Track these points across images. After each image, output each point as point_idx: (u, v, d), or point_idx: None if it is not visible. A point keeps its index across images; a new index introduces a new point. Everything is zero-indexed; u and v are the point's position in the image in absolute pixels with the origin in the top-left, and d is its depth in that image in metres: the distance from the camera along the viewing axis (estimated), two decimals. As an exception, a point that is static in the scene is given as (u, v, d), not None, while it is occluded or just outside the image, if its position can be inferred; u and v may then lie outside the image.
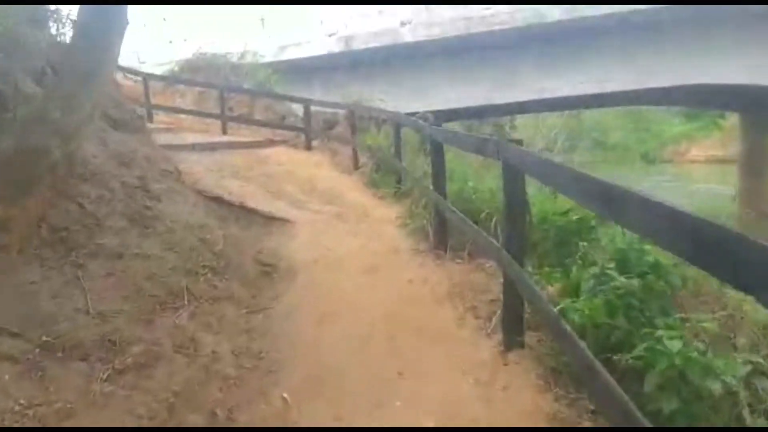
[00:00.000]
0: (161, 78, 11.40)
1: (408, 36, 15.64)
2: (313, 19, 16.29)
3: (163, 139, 9.38)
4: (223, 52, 12.39)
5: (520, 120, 30.86)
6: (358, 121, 9.19)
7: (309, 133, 10.19)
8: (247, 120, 11.04)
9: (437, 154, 4.80)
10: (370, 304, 3.85)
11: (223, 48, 13.03)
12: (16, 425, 2.31)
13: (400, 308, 3.83)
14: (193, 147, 9.06)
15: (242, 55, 12.38)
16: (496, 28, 15.34)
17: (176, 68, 12.48)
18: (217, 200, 5.28)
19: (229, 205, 5.31)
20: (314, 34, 16.09)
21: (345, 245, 5.02)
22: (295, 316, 3.68)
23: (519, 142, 3.09)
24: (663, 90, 16.06)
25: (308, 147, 10.18)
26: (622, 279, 2.99)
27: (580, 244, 3.90)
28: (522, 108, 18.89)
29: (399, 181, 7.11)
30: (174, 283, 3.47)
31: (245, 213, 5.34)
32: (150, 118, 10.87)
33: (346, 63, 15.99)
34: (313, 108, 10.31)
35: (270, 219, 5.42)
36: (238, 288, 3.85)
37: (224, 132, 10.59)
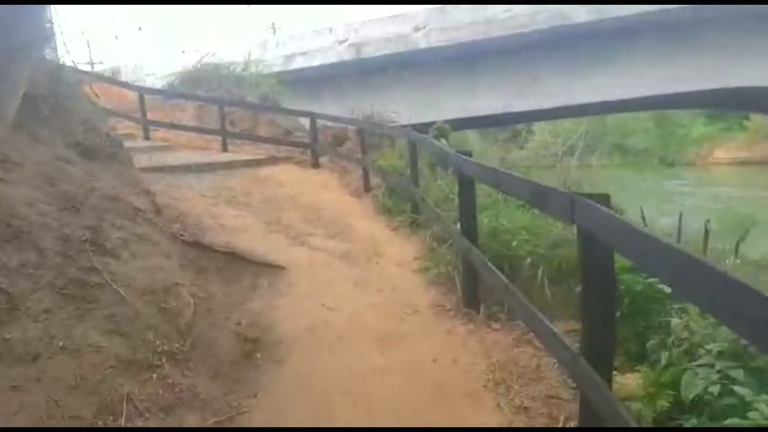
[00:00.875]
0: (156, 92, 10.53)
1: (422, 42, 14.62)
2: (323, 27, 15.36)
3: (157, 159, 8.50)
4: (226, 62, 11.49)
5: (538, 124, 29.64)
6: (370, 136, 8.19)
7: (315, 149, 9.21)
8: (248, 136, 10.10)
9: (467, 191, 3.76)
10: (383, 404, 2.82)
11: (228, 57, 12.15)
12: None
13: (422, 409, 2.80)
14: (189, 168, 8.14)
15: (246, 66, 11.47)
16: (517, 31, 14.23)
17: (176, 81, 11.63)
18: (197, 246, 4.29)
19: (212, 251, 4.31)
20: (323, 41, 15.16)
21: (351, 303, 4.00)
22: (280, 424, 2.67)
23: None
24: (695, 93, 14.80)
25: (315, 165, 9.20)
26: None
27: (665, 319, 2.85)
28: (544, 115, 17.74)
29: (415, 209, 6.08)
30: (111, 391, 2.47)
31: (231, 261, 4.34)
32: (146, 135, 10.00)
33: (356, 71, 15.03)
34: (320, 122, 9.33)
35: (260, 266, 4.41)
36: (206, 383, 2.84)
37: (224, 149, 9.66)
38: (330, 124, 9.56)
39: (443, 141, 11.93)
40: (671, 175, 29.26)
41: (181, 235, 4.25)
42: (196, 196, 6.95)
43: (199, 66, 11.31)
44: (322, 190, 8.00)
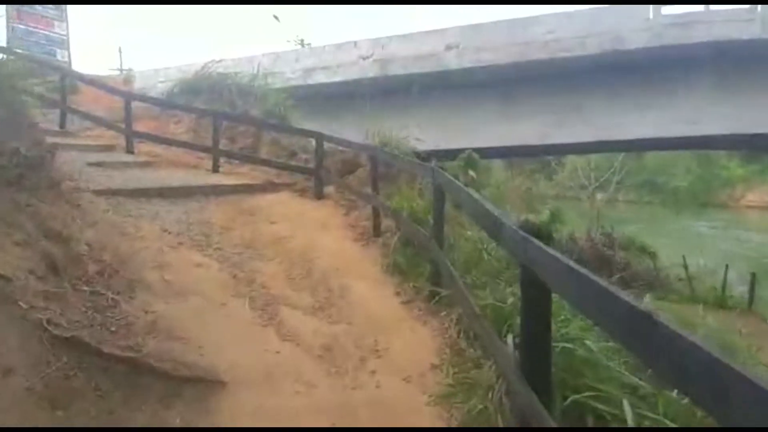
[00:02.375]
0: (143, 98, 9.02)
1: (454, 61, 12.95)
2: (347, 41, 13.85)
3: (130, 178, 6.90)
4: (232, 71, 9.97)
5: (570, 155, 27.61)
6: (385, 166, 6.46)
7: (321, 176, 7.51)
8: (242, 156, 8.46)
9: (537, 301, 1.94)
10: None
11: (238, 66, 10.64)
12: None
13: None
14: (162, 192, 6.50)
15: (255, 77, 9.93)
16: (560, 55, 12.45)
17: (176, 88, 10.16)
18: (73, 345, 2.54)
19: (97, 356, 2.56)
20: (346, 56, 13.63)
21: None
22: None
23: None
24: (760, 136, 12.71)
25: (318, 195, 7.48)
26: None
27: None
28: (586, 148, 15.83)
29: (436, 276, 4.26)
30: None
31: (130, 373, 2.58)
32: (129, 148, 8.45)
33: (380, 90, 13.39)
34: (328, 145, 7.65)
35: (180, 383, 2.64)
36: None
37: (215, 169, 8.03)
38: (342, 147, 7.87)
39: (471, 173, 10.15)
40: (702, 216, 27.23)
41: (48, 325, 2.50)
42: (155, 232, 5.27)
43: (201, 73, 9.84)
44: (320, 230, 6.25)
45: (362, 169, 7.68)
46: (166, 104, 9.04)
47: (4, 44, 14.08)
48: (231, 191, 7.23)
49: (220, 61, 10.03)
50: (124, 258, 4.36)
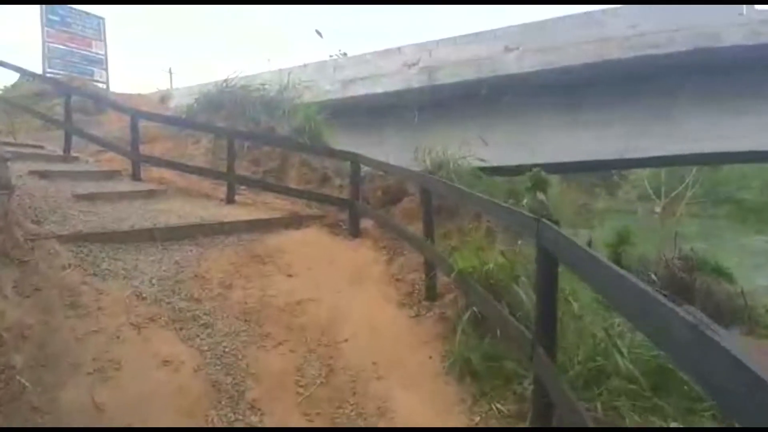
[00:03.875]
0: (150, 116, 7.65)
1: (513, 65, 11.04)
2: (390, 47, 12.23)
3: (123, 214, 5.43)
4: (258, 83, 8.52)
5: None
6: (437, 198, 4.68)
7: (357, 208, 5.81)
8: (262, 183, 6.87)
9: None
10: None
11: (266, 78, 9.19)
12: None
13: None
14: (152, 235, 4.98)
15: (283, 89, 8.44)
16: (644, 53, 10.29)
17: (195, 104, 8.83)
18: None
19: None
20: (389, 64, 12.00)
21: None
22: None
23: None
24: None
25: (354, 232, 5.79)
26: None
27: None
28: (674, 161, 13.44)
29: (538, 398, 2.41)
30: None
31: None
32: (135, 174, 7.08)
33: (428, 101, 11.67)
34: (366, 168, 5.97)
35: None
36: None
37: (229, 200, 6.49)
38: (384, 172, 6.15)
39: (540, 196, 8.23)
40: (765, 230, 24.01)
41: None
42: (122, 300, 3.71)
43: (223, 86, 8.45)
44: (354, 286, 4.53)
45: (409, 199, 5.93)
46: (174, 122, 7.65)
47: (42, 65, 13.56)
48: (244, 228, 5.64)
49: (242, 72, 8.59)
50: (56, 353, 2.79)
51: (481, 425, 2.64)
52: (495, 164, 8.75)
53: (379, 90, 12.02)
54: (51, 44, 14.01)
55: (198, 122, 7.77)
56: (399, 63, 11.86)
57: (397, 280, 4.67)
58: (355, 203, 5.80)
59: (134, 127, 7.11)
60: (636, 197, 28.84)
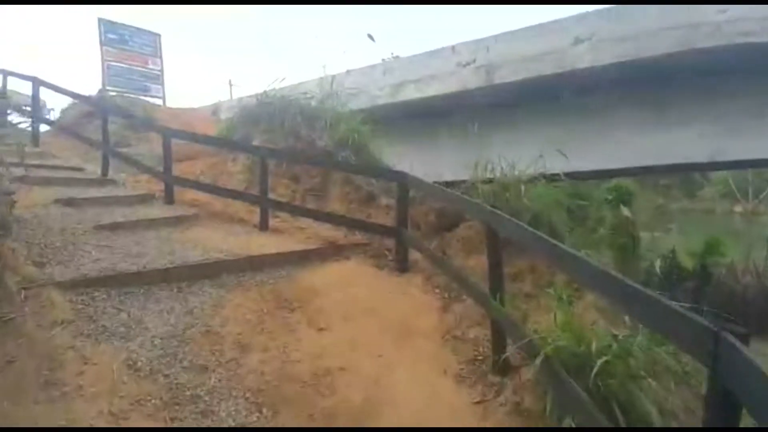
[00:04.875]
0: (181, 135, 7.03)
1: (585, 58, 9.62)
2: (443, 46, 11.15)
3: (142, 249, 4.80)
4: (298, 92, 7.75)
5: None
6: (503, 229, 3.60)
7: (404, 237, 4.83)
8: (297, 209, 6.02)
9: None
10: None
11: (307, 86, 8.41)
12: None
13: None
14: (166, 276, 4.26)
15: (326, 97, 7.61)
16: (736, 42, 8.60)
17: (236, 117, 8.22)
18: None
19: None
20: (442, 64, 10.93)
21: None
22: None
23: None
24: None
25: (401, 266, 4.81)
26: None
27: None
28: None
29: None
30: None
31: None
32: (168, 197, 6.49)
33: (486, 103, 10.49)
34: (415, 188, 4.97)
35: None
36: None
37: (263, 226, 5.71)
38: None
39: (625, 211, 6.96)
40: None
41: None
42: (109, 374, 2.96)
43: (261, 98, 7.76)
44: (399, 348, 3.56)
45: (468, 225, 4.87)
46: (203, 140, 6.98)
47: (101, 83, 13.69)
48: (275, 263, 4.82)
49: (282, 80, 7.83)
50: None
51: None
52: (573, 169, 7.52)
53: (431, 93, 10.95)
54: (110, 63, 14.12)
55: (224, 139, 7.12)
56: (453, 63, 10.75)
57: (455, 337, 3.64)
58: (402, 232, 4.82)
59: (166, 147, 6.54)
60: (717, 197, 25.86)
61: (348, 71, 10.55)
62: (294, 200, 6.83)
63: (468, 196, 4.45)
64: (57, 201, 5.68)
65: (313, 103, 7.62)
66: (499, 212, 3.19)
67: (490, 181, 4.84)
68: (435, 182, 5.51)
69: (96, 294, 3.83)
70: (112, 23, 14.34)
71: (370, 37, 14.98)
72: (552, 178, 5.11)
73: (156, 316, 3.70)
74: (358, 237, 5.56)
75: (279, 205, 5.85)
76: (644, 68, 9.34)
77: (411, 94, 11.02)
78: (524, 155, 5.43)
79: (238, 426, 2.74)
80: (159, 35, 15.70)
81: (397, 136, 10.03)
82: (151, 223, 5.57)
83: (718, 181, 25.39)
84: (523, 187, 4.38)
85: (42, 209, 5.40)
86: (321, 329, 3.79)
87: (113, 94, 12.99)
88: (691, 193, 24.38)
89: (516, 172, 4.85)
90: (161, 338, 3.43)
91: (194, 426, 2.70)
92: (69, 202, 5.73)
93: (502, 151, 5.55)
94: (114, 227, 5.24)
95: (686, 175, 24.06)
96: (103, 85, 13.72)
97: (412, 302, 4.21)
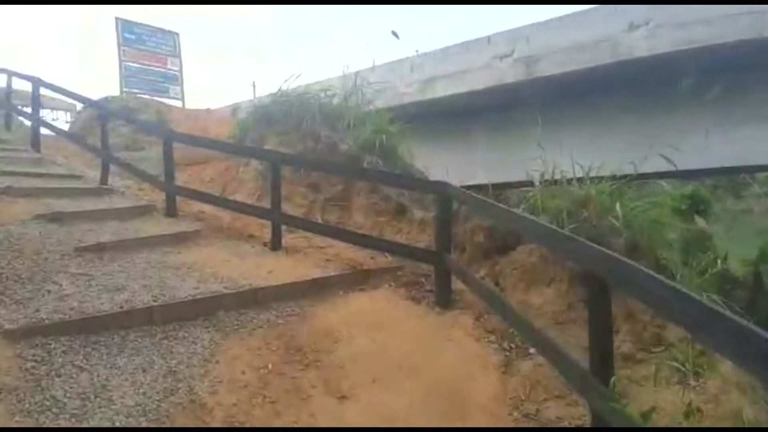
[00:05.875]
0: (182, 138, 6.13)
1: (641, 46, 8.40)
2: (477, 37, 10.06)
3: (128, 278, 3.90)
4: (317, 89, 6.80)
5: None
6: (625, 283, 2.53)
7: (446, 263, 3.79)
8: (317, 227, 5.01)
9: None
10: None
11: (328, 83, 7.44)
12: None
13: None
14: (150, 317, 3.34)
15: (349, 94, 6.64)
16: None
17: (250, 118, 7.33)
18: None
19: None
20: (476, 58, 9.84)
21: None
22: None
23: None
24: None
25: (442, 300, 3.78)
26: None
27: None
28: None
29: None
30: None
31: None
32: (170, 209, 5.61)
33: (525, 98, 9.33)
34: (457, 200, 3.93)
35: None
36: None
37: (275, 245, 4.76)
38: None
39: (700, 221, 5.85)
40: None
41: None
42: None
43: (277, 96, 6.85)
44: (454, 419, 2.54)
45: (528, 249, 3.81)
46: (204, 144, 6.05)
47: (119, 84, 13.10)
48: (286, 295, 3.86)
49: (298, 77, 6.87)
50: None
51: None
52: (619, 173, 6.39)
53: (464, 89, 9.89)
54: (127, 63, 13.51)
55: (229, 143, 6.24)
56: (488, 55, 9.66)
57: (529, 416, 2.60)
58: (444, 258, 3.79)
59: (167, 152, 5.67)
60: (762, 196, 24.02)
61: (373, 67, 9.55)
62: (312, 211, 5.88)
63: (523, 212, 3.41)
64: (39, 216, 4.85)
65: (335, 101, 6.65)
66: (599, 248, 2.12)
67: (554, 183, 3.76)
68: (464, 185, 4.53)
69: (54, 346, 2.94)
70: (130, 22, 13.73)
71: (395, 34, 13.87)
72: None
73: (127, 378, 2.78)
74: (388, 258, 4.55)
75: (293, 221, 4.89)
76: (716, 57, 8.07)
77: (441, 90, 9.97)
78: (568, 156, 4.36)
79: None
80: (177, 34, 15.02)
81: (426, 136, 9.01)
82: (144, 243, 4.68)
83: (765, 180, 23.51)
84: (620, 210, 3.24)
85: (19, 227, 4.58)
86: (343, 397, 2.81)
87: (128, 95, 12.34)
88: (737, 193, 22.59)
89: (579, 178, 3.76)
90: (126, 415, 2.50)
91: None
92: (54, 218, 4.90)
93: (542, 153, 4.49)
94: (99, 249, 4.36)
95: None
96: (120, 86, 13.10)
97: (462, 354, 3.18)
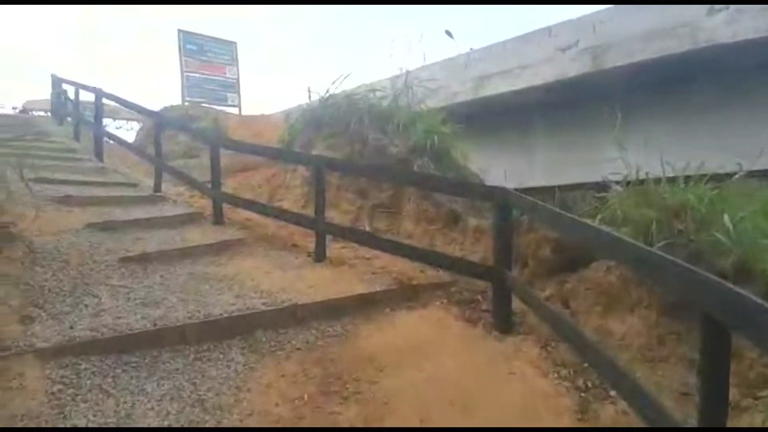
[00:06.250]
0: (228, 145, 5.98)
1: (724, 32, 7.43)
2: (536, 28, 9.38)
3: (174, 284, 3.76)
4: (365, 89, 6.49)
5: None
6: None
7: (506, 281, 3.30)
8: (362, 236, 4.63)
9: None
10: None
11: (382, 85, 7.11)
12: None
13: None
14: (183, 336, 3.13)
15: (398, 95, 6.27)
16: None
17: (299, 121, 7.14)
18: None
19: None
20: (537, 51, 9.16)
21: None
22: None
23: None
24: None
25: (502, 323, 3.30)
26: None
27: None
28: None
29: None
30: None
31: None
32: (217, 217, 5.49)
33: (594, 93, 8.60)
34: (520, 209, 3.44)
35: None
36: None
37: (319, 256, 4.46)
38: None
39: None
40: None
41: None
42: None
43: (325, 99, 6.60)
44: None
45: (603, 267, 3.25)
46: (247, 150, 5.84)
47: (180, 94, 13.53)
48: (328, 313, 3.54)
49: (346, 77, 6.58)
50: None
51: None
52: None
53: (523, 84, 9.23)
54: (188, 73, 13.93)
55: (273, 149, 6.04)
56: (549, 48, 8.95)
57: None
58: (505, 275, 3.31)
59: (214, 158, 5.55)
60: None
61: (424, 66, 9.14)
62: (359, 218, 5.56)
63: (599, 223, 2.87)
64: (92, 225, 4.85)
65: (384, 102, 6.30)
66: (751, 298, 1.58)
67: (639, 183, 3.18)
68: (522, 189, 4.00)
69: (84, 366, 2.78)
70: (191, 34, 14.19)
71: (449, 33, 13.37)
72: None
73: (153, 406, 2.55)
74: (438, 276, 4.12)
75: (338, 231, 4.57)
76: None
77: (498, 87, 9.37)
78: (639, 155, 3.73)
79: None
80: (235, 43, 15.37)
81: (480, 137, 8.46)
82: (188, 253, 4.54)
83: None
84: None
85: (71, 236, 4.58)
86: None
87: (190, 104, 12.71)
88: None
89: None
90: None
91: None
92: (105, 226, 4.90)
93: (610, 154, 3.90)
94: (144, 259, 4.26)
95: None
96: (182, 95, 13.53)
97: (526, 392, 2.71)
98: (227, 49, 14.85)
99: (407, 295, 3.86)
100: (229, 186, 7.17)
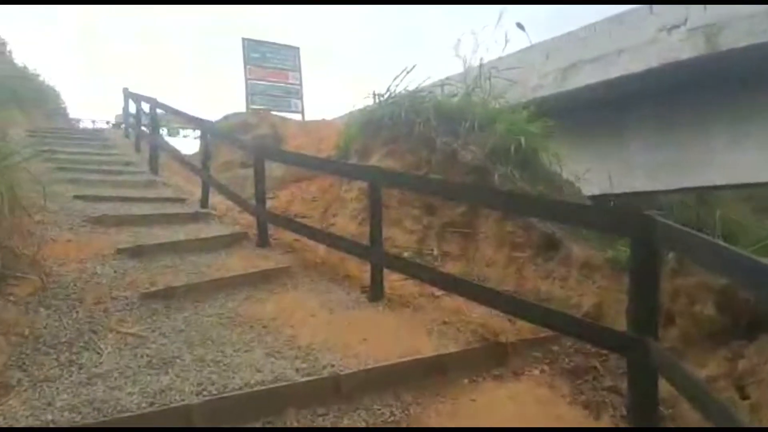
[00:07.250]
0: (273, 155, 5.16)
1: None
2: (636, 7, 7.88)
3: (198, 331, 2.96)
4: (429, 85, 5.47)
5: None
6: None
7: (649, 354, 2.14)
8: (429, 273, 3.51)
9: None
10: None
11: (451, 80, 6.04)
12: None
13: None
14: (187, 419, 2.28)
15: (470, 90, 5.20)
16: None
17: (353, 129, 6.25)
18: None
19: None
20: (635, 34, 7.67)
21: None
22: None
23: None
24: None
25: (641, 410, 2.16)
26: None
27: None
28: None
29: None
30: None
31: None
32: (262, 239, 4.70)
33: (707, 82, 7.02)
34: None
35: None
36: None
37: (376, 294, 3.49)
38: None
39: None
40: None
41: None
42: None
43: (384, 99, 5.66)
44: None
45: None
46: (291, 161, 5.05)
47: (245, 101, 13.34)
48: (384, 383, 2.57)
49: (408, 72, 5.55)
50: None
51: None
52: None
53: (616, 73, 7.75)
54: (252, 81, 13.71)
55: (318, 159, 5.19)
56: (651, 29, 7.43)
57: None
58: (646, 346, 2.15)
59: (258, 172, 4.77)
60: None
61: (499, 57, 7.98)
62: (426, 239, 4.56)
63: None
64: (122, 251, 4.23)
65: (454, 100, 5.25)
66: None
67: None
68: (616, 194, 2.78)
69: None
70: (255, 42, 13.99)
71: (520, 26, 11.93)
72: None
73: None
74: (533, 331, 3.01)
75: (399, 264, 3.59)
76: None
77: (587, 77, 7.98)
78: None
79: None
80: (298, 49, 15.03)
81: (565, 136, 7.13)
82: (222, 285, 3.76)
83: None
84: None
85: (96, 264, 3.97)
86: None
87: (248, 111, 12.40)
88: None
89: None
90: None
91: None
92: (135, 252, 4.26)
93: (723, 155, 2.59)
94: (168, 295, 3.53)
95: None
96: (247, 103, 13.31)
97: None
98: (290, 54, 14.49)
99: (493, 357, 2.80)
100: (282, 198, 6.46)
